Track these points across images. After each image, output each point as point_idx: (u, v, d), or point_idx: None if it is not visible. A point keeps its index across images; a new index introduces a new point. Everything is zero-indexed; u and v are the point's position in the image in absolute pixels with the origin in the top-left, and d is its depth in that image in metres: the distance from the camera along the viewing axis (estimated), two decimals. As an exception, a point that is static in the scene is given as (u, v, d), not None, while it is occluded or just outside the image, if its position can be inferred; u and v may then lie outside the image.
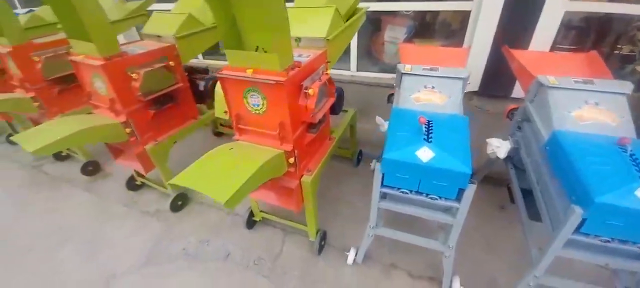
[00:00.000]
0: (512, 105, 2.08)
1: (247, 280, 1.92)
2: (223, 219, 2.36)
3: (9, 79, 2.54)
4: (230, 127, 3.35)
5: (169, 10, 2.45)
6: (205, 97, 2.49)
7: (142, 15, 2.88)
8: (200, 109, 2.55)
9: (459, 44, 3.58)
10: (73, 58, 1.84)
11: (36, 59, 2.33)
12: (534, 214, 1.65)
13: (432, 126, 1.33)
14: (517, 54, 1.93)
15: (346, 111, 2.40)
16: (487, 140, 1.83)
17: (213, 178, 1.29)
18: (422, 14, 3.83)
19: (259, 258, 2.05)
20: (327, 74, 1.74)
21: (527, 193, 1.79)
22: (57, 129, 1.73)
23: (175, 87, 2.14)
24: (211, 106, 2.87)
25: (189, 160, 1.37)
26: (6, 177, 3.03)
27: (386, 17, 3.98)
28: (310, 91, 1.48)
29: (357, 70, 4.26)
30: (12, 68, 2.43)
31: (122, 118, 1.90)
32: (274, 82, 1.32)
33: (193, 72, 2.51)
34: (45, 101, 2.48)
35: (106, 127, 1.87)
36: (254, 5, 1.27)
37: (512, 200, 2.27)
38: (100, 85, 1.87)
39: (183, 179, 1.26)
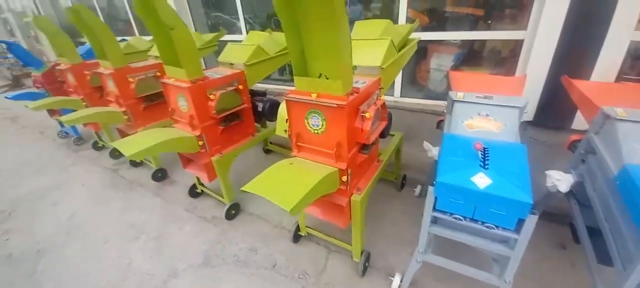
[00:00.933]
0: (575, 137, 1.99)
1: (293, 291, 2.01)
2: (270, 230, 2.51)
3: (106, 95, 3.07)
4: (279, 145, 3.59)
5: (241, 42, 2.82)
6: (262, 116, 2.76)
7: (213, 45, 3.35)
8: (256, 127, 2.82)
9: (509, 72, 3.51)
10: (164, 80, 2.21)
11: (131, 80, 2.81)
12: (604, 257, 1.53)
13: (488, 152, 1.36)
14: (579, 84, 1.88)
15: (393, 135, 2.48)
16: (547, 172, 1.77)
17: (278, 188, 1.45)
18: (470, 43, 3.85)
19: (304, 272, 2.14)
20: (381, 99, 1.86)
21: (593, 232, 1.68)
22: (147, 139, 2.06)
23: (242, 107, 2.42)
24: (265, 125, 3.17)
25: (243, 172, 1.56)
26: (91, 178, 3.55)
27: (432, 45, 4.06)
28: (367, 114, 1.61)
29: (401, 96, 4.34)
30: (111, 86, 2.95)
31: (197, 132, 2.20)
32: (336, 105, 1.48)
33: (253, 95, 2.80)
34: (133, 115, 2.94)
35: (184, 139, 2.17)
36: (324, 39, 1.45)
37: (576, 239, 2.11)
38: (183, 104, 2.20)
39: (253, 187, 1.44)
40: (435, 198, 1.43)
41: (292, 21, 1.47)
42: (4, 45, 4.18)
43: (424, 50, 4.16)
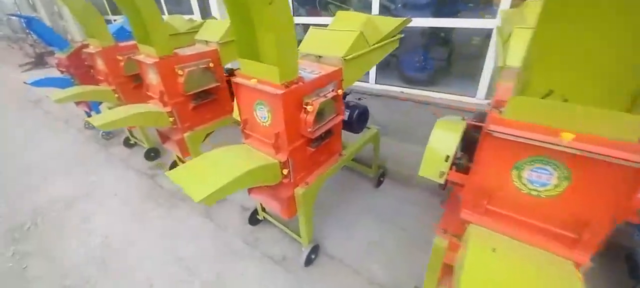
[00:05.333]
0: None
1: None
2: (361, 286, 1.86)
3: (146, 89, 2.42)
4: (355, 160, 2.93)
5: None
6: (349, 127, 2.09)
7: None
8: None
9: None
10: (238, 80, 1.52)
11: (180, 72, 2.15)
12: None
13: None
14: None
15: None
16: None
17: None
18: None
19: None
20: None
21: None
22: (218, 169, 1.41)
23: (337, 120, 1.74)
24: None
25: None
26: (124, 186, 2.97)
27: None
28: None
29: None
30: (153, 79, 2.28)
31: (283, 156, 1.53)
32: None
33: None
34: (179, 115, 2.29)
35: (266, 167, 1.50)
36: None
37: None
38: (263, 115, 1.52)
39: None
40: None
41: None
42: (23, 21, 3.59)
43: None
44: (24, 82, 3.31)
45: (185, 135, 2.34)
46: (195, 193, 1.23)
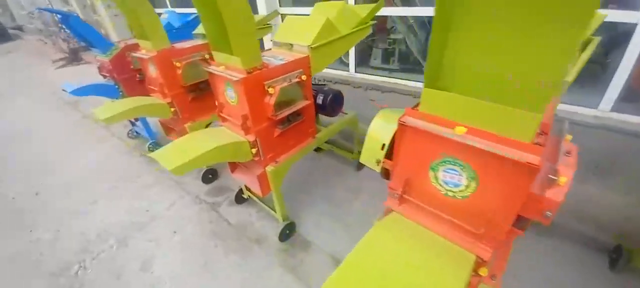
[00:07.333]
0: None
1: None
2: None
3: (220, 108, 1.86)
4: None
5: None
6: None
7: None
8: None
9: None
10: (417, 123, 0.93)
11: (271, 91, 1.58)
12: None
13: None
14: None
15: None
16: None
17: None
18: None
19: None
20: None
21: None
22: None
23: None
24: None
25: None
26: (183, 218, 2.50)
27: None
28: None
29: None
30: (231, 97, 1.68)
31: (486, 253, 0.92)
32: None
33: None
34: (264, 145, 1.73)
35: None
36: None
37: None
38: (453, 180, 0.90)
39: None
40: None
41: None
42: (57, 17, 3.16)
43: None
44: (62, 89, 2.88)
45: (268, 169, 1.79)
46: None
